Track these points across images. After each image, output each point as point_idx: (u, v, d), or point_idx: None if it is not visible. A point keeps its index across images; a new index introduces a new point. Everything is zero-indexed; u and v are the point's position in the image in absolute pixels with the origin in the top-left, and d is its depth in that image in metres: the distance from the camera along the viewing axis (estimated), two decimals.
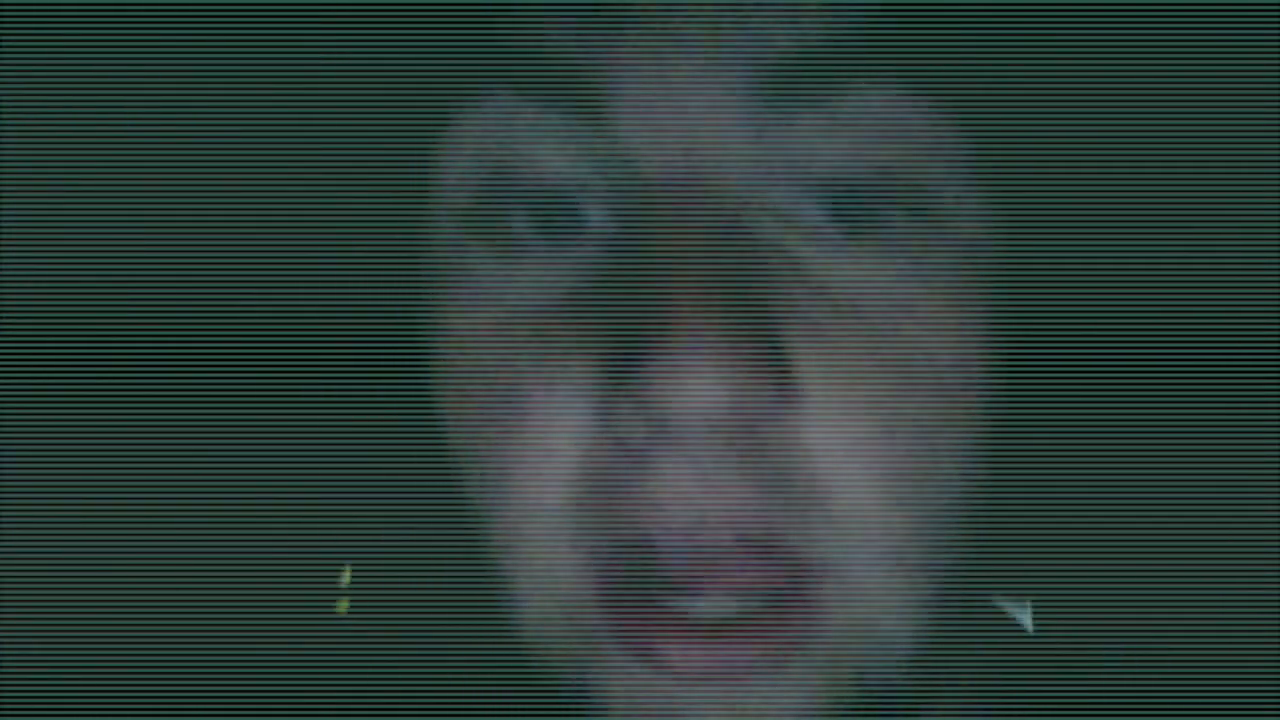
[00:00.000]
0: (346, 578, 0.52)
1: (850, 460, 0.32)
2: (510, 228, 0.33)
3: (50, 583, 0.56)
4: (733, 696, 0.31)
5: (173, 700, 0.54)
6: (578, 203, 0.33)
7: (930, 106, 0.33)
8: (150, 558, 0.56)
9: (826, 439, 0.32)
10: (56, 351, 0.55)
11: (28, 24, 0.52)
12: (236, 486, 0.54)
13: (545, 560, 0.33)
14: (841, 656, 0.32)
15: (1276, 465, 0.43)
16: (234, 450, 0.53)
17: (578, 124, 0.32)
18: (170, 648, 0.56)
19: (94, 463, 0.56)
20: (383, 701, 0.49)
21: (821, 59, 0.31)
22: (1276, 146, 0.38)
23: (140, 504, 0.56)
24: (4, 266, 0.56)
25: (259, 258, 0.43)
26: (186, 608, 0.57)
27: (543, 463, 0.32)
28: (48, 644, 0.55)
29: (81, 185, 0.52)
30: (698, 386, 0.29)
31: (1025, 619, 0.47)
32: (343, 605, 0.52)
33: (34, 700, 0.54)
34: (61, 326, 0.55)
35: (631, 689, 0.32)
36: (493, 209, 0.34)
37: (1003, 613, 0.47)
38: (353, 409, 0.40)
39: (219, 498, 0.56)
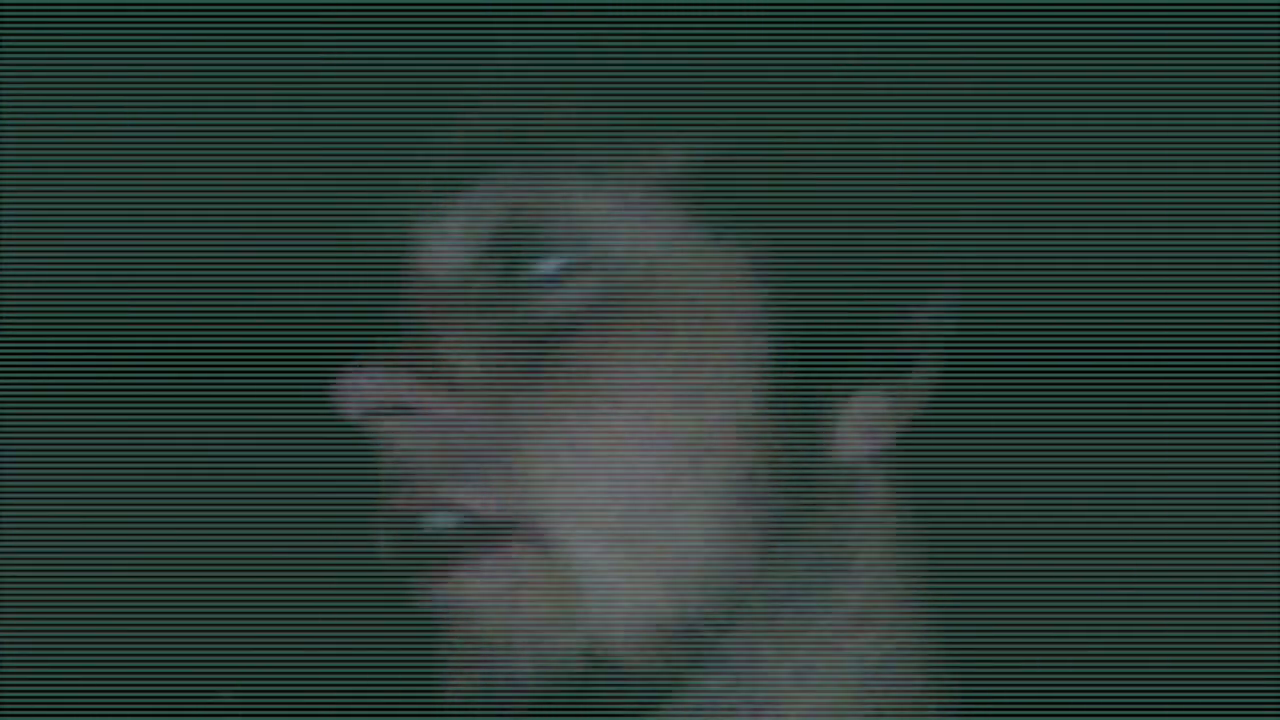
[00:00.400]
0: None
1: (530, 440, 0.40)
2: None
3: (46, 582, 0.56)
4: (454, 597, 0.41)
5: (169, 699, 0.54)
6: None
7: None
8: (143, 556, 0.56)
9: (506, 427, 0.40)
10: (49, 352, 0.55)
11: (28, 26, 0.52)
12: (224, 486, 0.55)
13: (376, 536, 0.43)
14: (521, 583, 0.40)
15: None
16: (222, 449, 0.54)
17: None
18: (165, 646, 0.56)
19: (86, 462, 0.56)
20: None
21: (455, 162, 0.40)
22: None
23: (130, 503, 0.56)
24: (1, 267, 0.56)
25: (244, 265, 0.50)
26: (180, 606, 0.57)
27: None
28: (45, 643, 0.55)
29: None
30: (352, 384, 0.40)
31: None
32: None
33: (33, 700, 0.54)
34: (54, 328, 0.55)
35: (415, 595, 0.41)
36: None
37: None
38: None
39: (209, 496, 0.56)
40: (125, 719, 0.54)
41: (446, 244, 0.41)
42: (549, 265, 0.40)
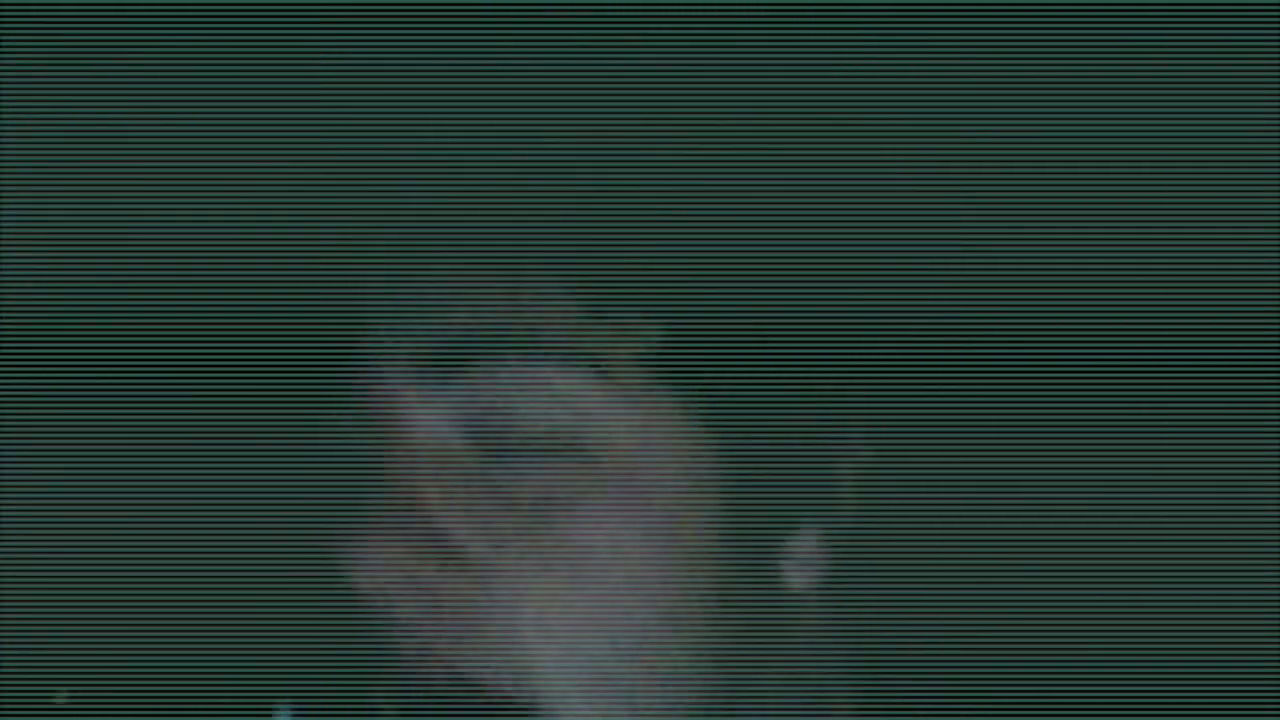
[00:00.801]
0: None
1: (525, 611, 0.42)
2: None
3: (46, 582, 0.56)
4: None
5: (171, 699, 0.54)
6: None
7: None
8: (145, 557, 0.56)
9: (503, 599, 0.42)
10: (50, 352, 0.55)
11: (29, 27, 0.52)
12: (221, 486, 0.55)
13: None
14: None
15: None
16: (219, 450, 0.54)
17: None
18: (166, 645, 0.56)
19: (89, 462, 0.56)
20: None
21: (445, 350, 0.43)
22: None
23: (132, 503, 0.56)
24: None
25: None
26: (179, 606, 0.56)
27: None
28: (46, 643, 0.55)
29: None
30: (367, 557, 0.42)
31: None
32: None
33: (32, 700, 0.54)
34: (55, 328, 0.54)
35: None
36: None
37: None
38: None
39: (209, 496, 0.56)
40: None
41: (435, 420, 0.43)
42: (535, 444, 0.42)
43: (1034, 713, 0.47)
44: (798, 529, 0.45)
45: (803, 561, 0.45)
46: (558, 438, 0.42)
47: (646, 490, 0.43)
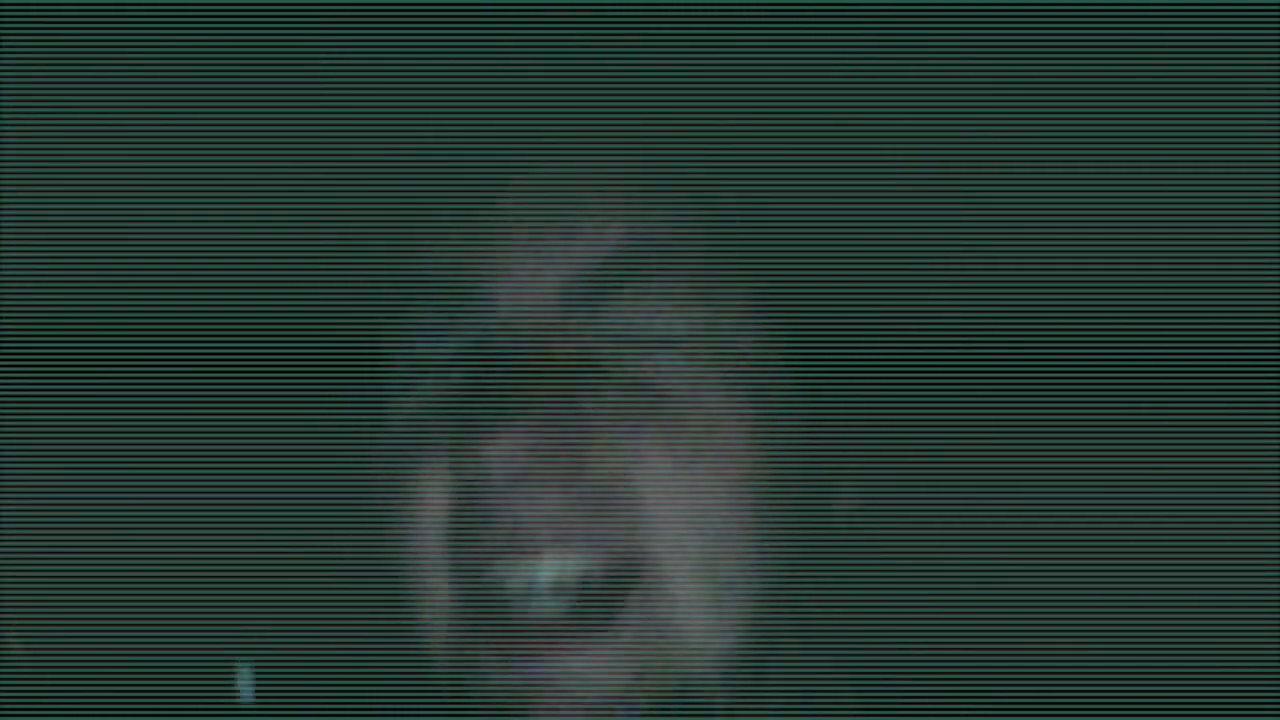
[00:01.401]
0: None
1: (643, 479, 0.44)
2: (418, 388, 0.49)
3: (49, 582, 0.56)
4: (559, 678, 0.43)
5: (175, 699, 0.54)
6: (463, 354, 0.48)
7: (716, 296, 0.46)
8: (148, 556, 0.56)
9: (626, 466, 0.44)
10: (55, 352, 0.55)
11: (33, 26, 0.52)
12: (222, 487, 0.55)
13: (427, 587, 0.46)
14: (637, 640, 0.44)
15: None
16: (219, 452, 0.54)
17: (464, 320, 0.47)
18: (168, 645, 0.56)
19: (93, 462, 0.56)
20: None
21: (614, 269, 0.45)
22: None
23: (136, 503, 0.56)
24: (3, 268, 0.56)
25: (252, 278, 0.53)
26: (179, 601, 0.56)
27: (419, 517, 0.46)
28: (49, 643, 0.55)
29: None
30: (503, 444, 0.43)
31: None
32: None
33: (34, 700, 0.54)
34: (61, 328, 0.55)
35: (490, 682, 0.44)
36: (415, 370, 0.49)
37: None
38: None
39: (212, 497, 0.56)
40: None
41: (576, 327, 0.46)
42: (660, 341, 0.46)
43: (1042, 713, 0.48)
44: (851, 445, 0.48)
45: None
46: (679, 341, 0.45)
47: (737, 383, 0.45)
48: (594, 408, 0.45)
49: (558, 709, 0.43)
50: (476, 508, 0.44)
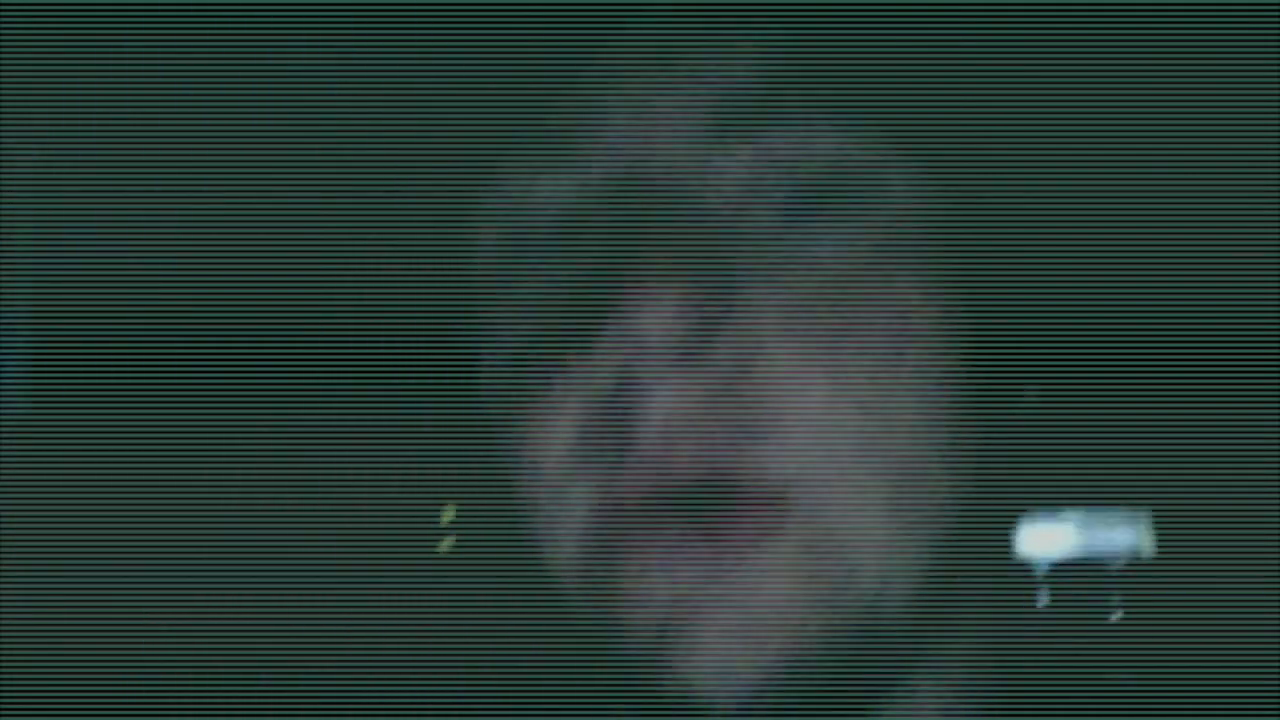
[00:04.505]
0: (449, 515, 0.53)
1: (803, 391, 0.39)
2: (527, 243, 0.43)
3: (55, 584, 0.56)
4: (713, 588, 0.38)
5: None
6: (576, 213, 0.42)
7: (866, 137, 0.41)
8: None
9: (782, 379, 0.39)
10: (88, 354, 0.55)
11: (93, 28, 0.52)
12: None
13: (561, 499, 0.40)
14: (803, 560, 0.38)
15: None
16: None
17: (576, 168, 0.42)
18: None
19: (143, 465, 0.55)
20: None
21: (755, 101, 0.40)
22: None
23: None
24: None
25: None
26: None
27: (552, 417, 0.40)
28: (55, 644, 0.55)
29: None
30: (655, 307, 0.37)
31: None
32: (446, 543, 0.52)
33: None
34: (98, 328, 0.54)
35: (632, 595, 0.39)
36: (515, 237, 0.43)
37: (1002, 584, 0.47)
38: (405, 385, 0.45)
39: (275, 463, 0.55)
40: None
41: (733, 179, 0.41)
42: (823, 208, 0.40)
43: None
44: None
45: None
46: (849, 208, 0.40)
47: (918, 270, 0.40)
48: (751, 280, 0.39)
49: (713, 626, 0.38)
50: (624, 396, 0.38)
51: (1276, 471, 0.46)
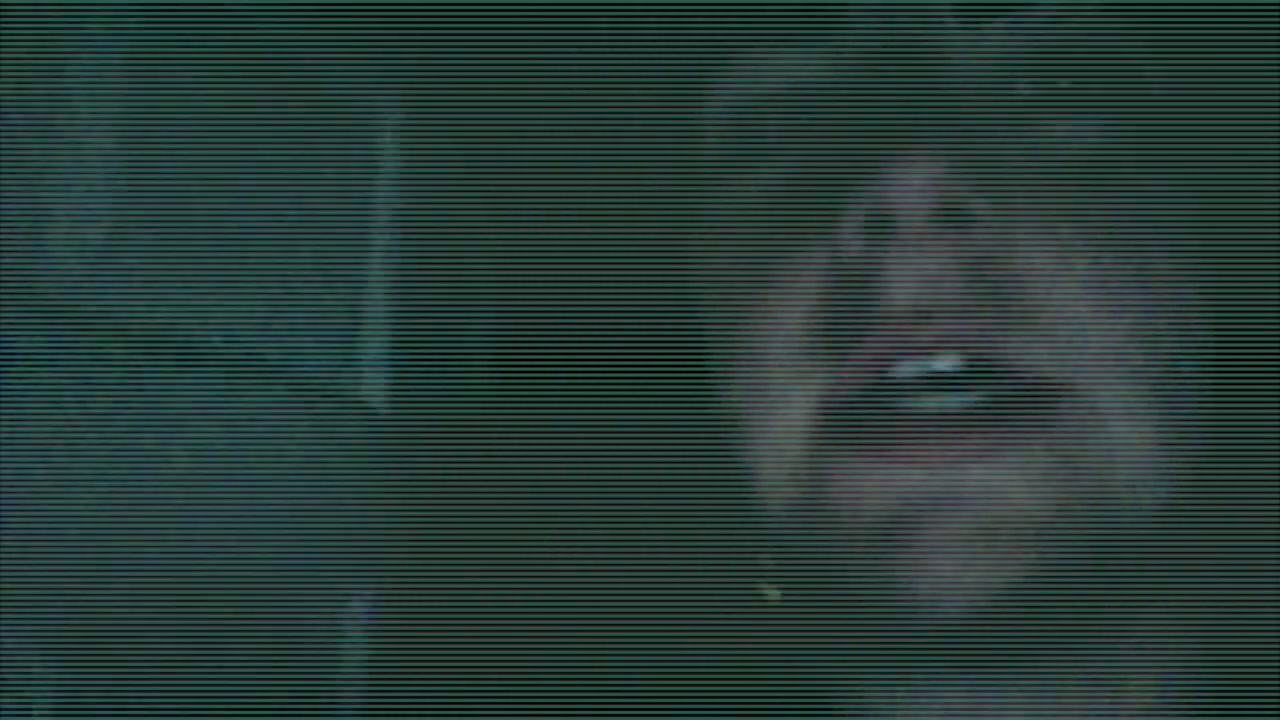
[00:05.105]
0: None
1: (1064, 282, 0.37)
2: (764, 127, 0.42)
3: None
4: (956, 486, 0.35)
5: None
6: (819, 91, 0.41)
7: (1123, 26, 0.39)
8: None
9: (1042, 263, 0.37)
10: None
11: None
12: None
13: (786, 394, 0.38)
14: (1066, 462, 0.36)
15: None
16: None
17: (816, 49, 0.41)
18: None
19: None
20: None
21: None
22: None
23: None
24: None
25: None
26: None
27: (783, 306, 0.38)
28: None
29: None
30: (914, 175, 0.35)
31: None
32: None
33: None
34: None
35: (859, 489, 0.36)
36: (752, 120, 0.42)
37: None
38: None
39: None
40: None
41: (989, 57, 0.40)
42: (1079, 94, 0.39)
43: None
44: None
45: None
46: (1098, 87, 0.39)
47: (1180, 169, 0.39)
48: (1006, 160, 0.38)
49: (948, 531, 0.35)
50: (867, 273, 0.36)
51: None
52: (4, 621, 0.52)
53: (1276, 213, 0.39)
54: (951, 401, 0.36)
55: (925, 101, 0.37)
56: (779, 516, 0.39)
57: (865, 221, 0.36)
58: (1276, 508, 0.40)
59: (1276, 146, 0.40)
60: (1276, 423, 0.40)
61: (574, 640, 0.44)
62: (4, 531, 0.53)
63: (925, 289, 0.36)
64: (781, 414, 0.38)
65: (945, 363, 0.36)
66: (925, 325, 0.36)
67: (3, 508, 0.54)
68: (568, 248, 0.47)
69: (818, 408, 0.38)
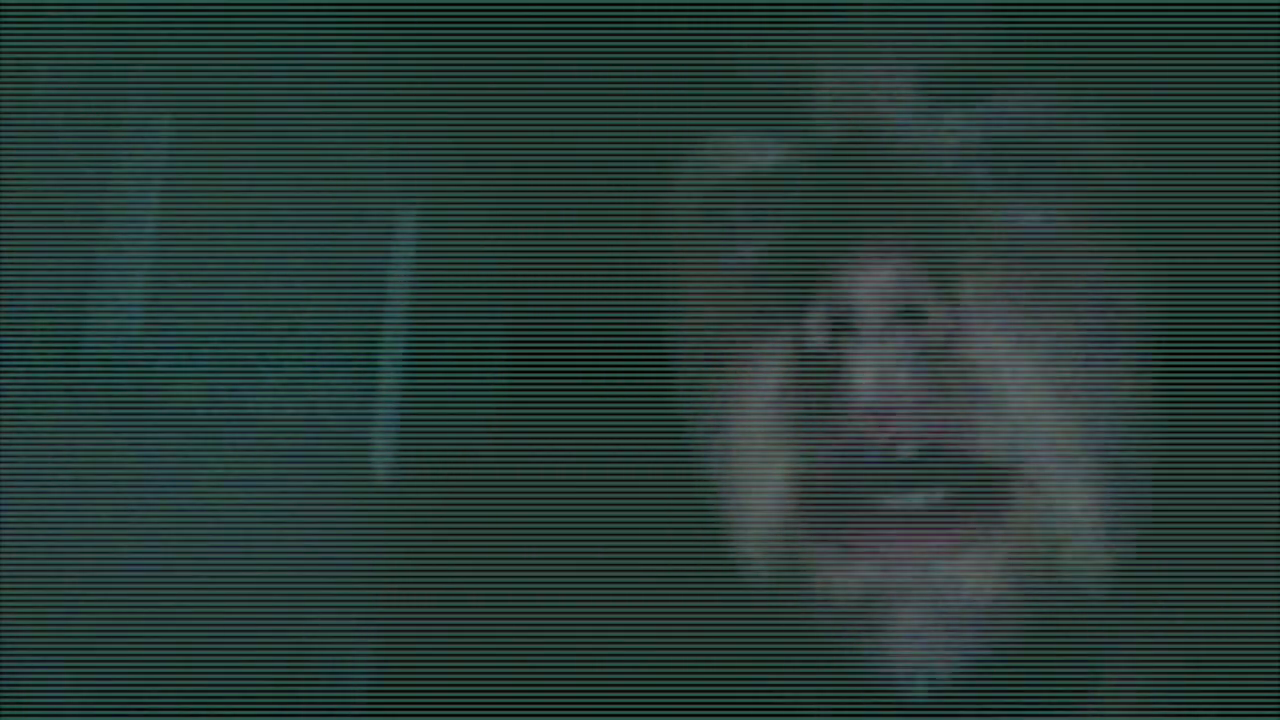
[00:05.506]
0: None
1: (1014, 370, 0.38)
2: (729, 213, 0.43)
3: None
4: (921, 579, 0.37)
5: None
6: (783, 179, 0.42)
7: (1072, 105, 0.40)
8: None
9: (992, 352, 0.38)
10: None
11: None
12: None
13: (756, 476, 0.40)
14: (1022, 548, 0.38)
15: None
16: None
17: (782, 135, 0.42)
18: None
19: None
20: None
21: (970, 71, 0.40)
22: None
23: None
24: None
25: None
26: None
27: (749, 390, 0.40)
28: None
29: None
30: (873, 277, 0.36)
31: None
32: None
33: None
34: None
35: (830, 579, 0.38)
36: (716, 205, 0.43)
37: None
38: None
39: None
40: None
41: (948, 148, 0.40)
42: (1035, 179, 0.40)
43: None
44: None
45: None
46: (1058, 182, 0.40)
47: (1127, 249, 0.40)
48: (963, 251, 0.39)
49: (914, 616, 0.37)
50: (831, 367, 0.38)
51: None
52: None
53: (1226, 293, 0.41)
54: (916, 499, 0.37)
55: (886, 199, 0.38)
56: (756, 588, 0.41)
57: (827, 317, 0.37)
58: (1221, 555, 0.42)
59: (1229, 233, 0.41)
60: (1221, 478, 0.41)
61: (569, 687, 0.47)
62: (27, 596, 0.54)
63: (885, 384, 0.37)
64: (756, 492, 0.40)
65: (906, 451, 0.37)
66: (887, 418, 0.37)
67: (26, 578, 0.55)
68: (569, 332, 0.49)
69: (788, 492, 0.39)
